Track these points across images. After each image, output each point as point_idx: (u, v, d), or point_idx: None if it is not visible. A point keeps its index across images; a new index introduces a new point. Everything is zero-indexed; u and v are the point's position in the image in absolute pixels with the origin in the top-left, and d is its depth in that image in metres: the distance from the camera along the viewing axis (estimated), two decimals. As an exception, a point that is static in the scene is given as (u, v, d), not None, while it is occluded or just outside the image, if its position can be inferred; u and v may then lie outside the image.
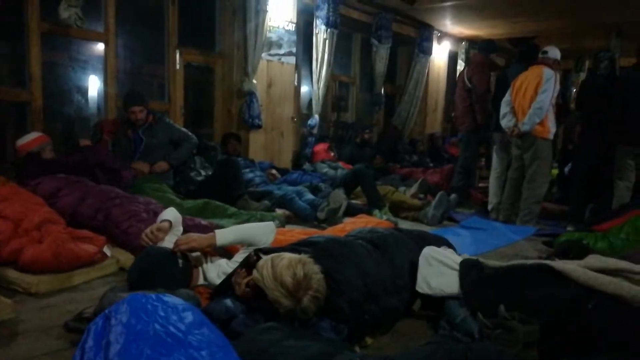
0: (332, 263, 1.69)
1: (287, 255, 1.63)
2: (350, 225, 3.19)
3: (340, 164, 5.91)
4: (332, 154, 6.09)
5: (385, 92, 7.26)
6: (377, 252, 1.92)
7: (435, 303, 1.93)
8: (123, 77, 4.61)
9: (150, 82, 5.16)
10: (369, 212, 3.90)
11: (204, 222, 2.87)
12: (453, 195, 4.81)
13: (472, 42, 8.14)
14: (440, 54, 8.07)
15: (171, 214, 2.35)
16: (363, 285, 1.71)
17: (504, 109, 4.42)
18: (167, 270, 1.96)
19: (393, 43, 6.82)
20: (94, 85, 4.54)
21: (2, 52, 4.18)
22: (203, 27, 5.22)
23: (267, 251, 1.77)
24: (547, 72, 4.17)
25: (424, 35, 7.43)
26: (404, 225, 3.79)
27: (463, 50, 8.35)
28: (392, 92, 7.85)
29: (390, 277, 1.85)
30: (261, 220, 3.02)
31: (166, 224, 2.25)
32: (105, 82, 4.36)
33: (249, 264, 1.72)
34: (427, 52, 7.53)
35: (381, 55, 6.68)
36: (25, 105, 3.88)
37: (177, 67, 4.82)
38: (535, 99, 4.15)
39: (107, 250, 2.49)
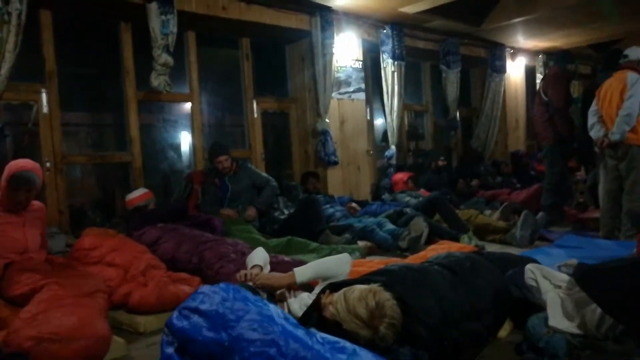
0: (405, 289, 1.72)
1: (358, 287, 1.69)
2: (432, 252, 3.16)
3: (421, 192, 5.87)
4: (412, 184, 6.06)
5: (460, 116, 7.15)
6: (453, 277, 1.91)
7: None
8: (208, 130, 5.03)
9: (233, 132, 5.57)
10: (456, 238, 3.83)
11: (286, 258, 3.01)
12: (540, 214, 4.56)
13: (549, 54, 7.82)
14: (515, 70, 7.83)
15: (260, 254, 2.51)
16: (440, 311, 1.71)
17: (591, 119, 4.20)
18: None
19: (463, 66, 6.76)
20: (184, 140, 5.01)
21: (107, 122, 4.78)
22: (275, 75, 5.57)
23: (339, 284, 1.84)
24: (632, 76, 3.92)
25: (495, 54, 7.28)
26: (492, 248, 3.66)
27: (541, 64, 8.04)
28: (467, 114, 7.70)
29: (470, 301, 1.83)
30: (342, 253, 3.10)
31: (257, 270, 2.37)
32: (193, 137, 4.79)
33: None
34: (501, 70, 7.35)
35: (452, 80, 6.64)
36: (127, 165, 4.37)
37: (255, 115, 5.17)
38: (621, 106, 3.90)
39: (202, 290, 2.70)
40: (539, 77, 7.92)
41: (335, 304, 1.69)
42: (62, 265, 2.57)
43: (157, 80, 3.97)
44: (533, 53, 8.00)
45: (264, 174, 4.44)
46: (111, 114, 4.69)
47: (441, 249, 3.32)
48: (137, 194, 3.85)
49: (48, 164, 3.85)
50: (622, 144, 3.95)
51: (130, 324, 2.43)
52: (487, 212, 5.04)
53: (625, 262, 1.98)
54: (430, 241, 3.81)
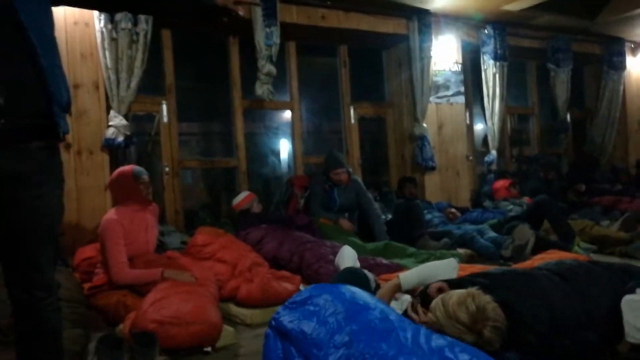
0: (509, 294, 1.65)
1: (456, 291, 1.65)
2: (539, 261, 2.97)
3: (525, 200, 5.53)
4: (515, 191, 5.73)
5: (571, 118, 6.64)
6: (564, 284, 1.78)
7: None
8: (307, 136, 5.21)
9: (330, 138, 5.70)
10: (566, 248, 3.56)
11: (384, 261, 3.02)
12: (670, 224, 4.08)
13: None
14: (636, 66, 7.09)
15: (348, 254, 2.56)
16: (549, 317, 1.61)
17: None
18: (362, 286, 2.11)
19: (575, 64, 6.28)
20: (284, 147, 5.24)
21: (215, 130, 5.16)
22: (372, 81, 5.62)
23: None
24: None
25: (612, 50, 6.66)
26: (612, 261, 3.34)
27: (669, 57, 7.20)
28: (580, 116, 7.11)
29: (583, 310, 1.70)
30: (440, 258, 3.03)
31: None
32: (293, 143, 4.98)
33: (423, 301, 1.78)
34: (620, 67, 6.70)
35: (562, 80, 6.19)
36: (233, 170, 4.68)
37: (352, 121, 5.25)
38: None
39: (302, 288, 2.81)
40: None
41: (434, 310, 1.66)
42: (178, 259, 2.83)
43: (261, 89, 4.21)
44: (659, 46, 7.20)
45: (369, 195, 4.31)
46: (219, 123, 5.06)
47: (550, 257, 3.10)
48: (241, 198, 4.09)
49: (167, 169, 4.25)
50: None
51: (238, 315, 2.60)
52: (605, 222, 4.62)
53: None
54: (536, 253, 3.58)
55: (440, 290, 1.78)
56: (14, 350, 1.44)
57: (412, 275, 2.19)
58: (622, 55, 6.73)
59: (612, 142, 6.81)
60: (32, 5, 1.33)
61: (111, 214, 2.74)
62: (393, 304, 2.32)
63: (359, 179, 4.43)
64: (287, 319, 1.57)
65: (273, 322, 1.61)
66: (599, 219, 4.74)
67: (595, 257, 3.51)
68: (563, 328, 1.62)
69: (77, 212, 3.52)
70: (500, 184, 5.71)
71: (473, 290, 1.65)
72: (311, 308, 1.56)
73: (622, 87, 6.76)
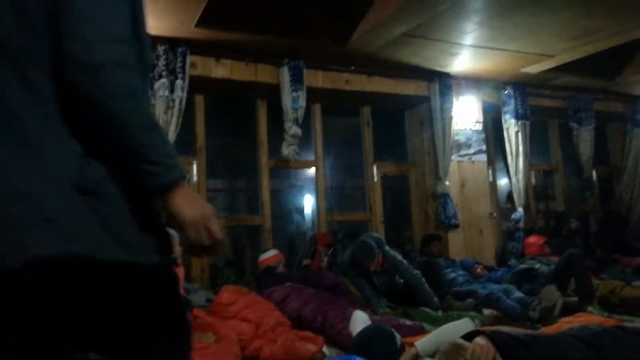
0: (531, 355, 1.64)
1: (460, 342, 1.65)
2: (566, 324, 2.91)
3: (553, 258, 5.41)
4: (548, 249, 5.62)
5: (597, 175, 6.59)
6: (588, 349, 1.76)
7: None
8: (331, 193, 5.31)
9: (353, 194, 5.79)
10: (583, 309, 3.49)
11: (408, 322, 3.00)
12: None
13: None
14: (661, 124, 7.06)
15: (359, 319, 2.56)
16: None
17: None
18: (385, 346, 2.11)
19: (598, 122, 6.32)
20: (308, 203, 5.34)
21: (241, 187, 5.31)
22: (394, 140, 5.75)
23: None
24: None
25: (635, 108, 6.69)
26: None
27: (693, 116, 7.16)
28: (606, 174, 7.05)
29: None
30: (458, 319, 3.00)
31: None
32: (317, 200, 5.09)
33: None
34: (643, 124, 6.70)
35: (584, 138, 6.22)
36: (258, 228, 4.77)
37: (375, 179, 5.35)
38: None
39: (325, 349, 2.81)
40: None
41: None
42: (202, 317, 2.88)
43: (287, 150, 4.38)
44: (683, 104, 7.18)
45: (404, 262, 4.02)
46: (244, 180, 5.21)
47: (578, 321, 3.03)
48: (270, 255, 4.15)
49: (194, 226, 4.36)
50: None
51: (260, 376, 2.60)
52: (637, 283, 4.48)
53: None
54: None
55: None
56: None
57: (429, 341, 2.18)
58: (646, 113, 6.74)
59: (640, 199, 6.69)
60: None
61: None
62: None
63: (387, 248, 4.09)
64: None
65: None
66: (631, 280, 4.60)
67: (629, 319, 3.41)
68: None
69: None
70: (534, 240, 5.57)
71: (488, 345, 1.64)
72: None
73: (647, 144, 6.72)
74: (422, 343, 2.17)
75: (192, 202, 0.99)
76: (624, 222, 6.53)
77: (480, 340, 1.65)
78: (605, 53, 4.90)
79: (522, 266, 4.56)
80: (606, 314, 3.55)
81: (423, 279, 3.89)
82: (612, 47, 4.70)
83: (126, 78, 0.93)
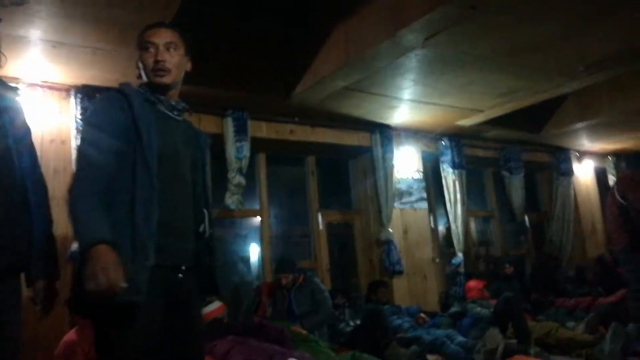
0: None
1: None
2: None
3: (492, 302, 5.59)
4: (487, 293, 5.81)
5: (530, 221, 6.97)
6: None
7: None
8: (276, 241, 5.29)
9: (300, 242, 5.79)
10: (525, 352, 3.61)
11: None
12: (631, 326, 4.18)
13: (619, 155, 7.64)
14: (584, 172, 7.67)
15: None
16: None
17: None
18: None
19: (527, 170, 6.76)
20: (253, 253, 5.28)
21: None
22: (339, 188, 5.88)
23: None
24: None
25: (560, 158, 7.24)
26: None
27: (611, 165, 7.83)
28: (538, 219, 7.48)
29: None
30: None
31: None
32: (262, 249, 5.05)
33: None
34: (568, 173, 7.24)
35: (515, 186, 6.62)
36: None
37: (320, 227, 5.40)
38: None
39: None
40: (611, 179, 7.67)
41: None
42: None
43: (231, 199, 4.37)
44: (601, 155, 7.86)
45: (326, 295, 4.33)
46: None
47: (515, 364, 3.14)
48: (214, 307, 4.02)
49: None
50: None
51: None
52: (570, 324, 4.70)
53: None
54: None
55: None
56: None
57: None
58: (569, 162, 7.30)
59: (570, 242, 7.09)
60: None
61: (70, 335, 2.68)
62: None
63: (317, 279, 4.51)
64: None
65: None
66: (565, 320, 4.82)
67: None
68: None
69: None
70: (474, 284, 5.75)
71: None
72: None
73: (572, 192, 7.23)
74: None
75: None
76: (557, 265, 6.89)
77: None
78: (529, 109, 5.35)
79: (454, 309, 4.70)
80: (546, 354, 3.69)
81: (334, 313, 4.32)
82: (533, 104, 5.14)
83: None
